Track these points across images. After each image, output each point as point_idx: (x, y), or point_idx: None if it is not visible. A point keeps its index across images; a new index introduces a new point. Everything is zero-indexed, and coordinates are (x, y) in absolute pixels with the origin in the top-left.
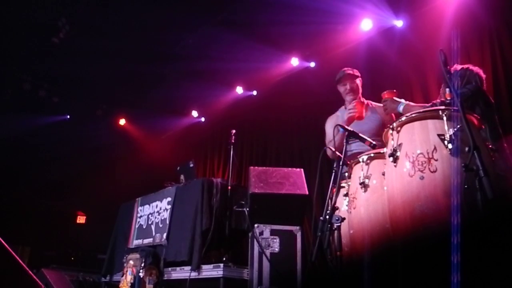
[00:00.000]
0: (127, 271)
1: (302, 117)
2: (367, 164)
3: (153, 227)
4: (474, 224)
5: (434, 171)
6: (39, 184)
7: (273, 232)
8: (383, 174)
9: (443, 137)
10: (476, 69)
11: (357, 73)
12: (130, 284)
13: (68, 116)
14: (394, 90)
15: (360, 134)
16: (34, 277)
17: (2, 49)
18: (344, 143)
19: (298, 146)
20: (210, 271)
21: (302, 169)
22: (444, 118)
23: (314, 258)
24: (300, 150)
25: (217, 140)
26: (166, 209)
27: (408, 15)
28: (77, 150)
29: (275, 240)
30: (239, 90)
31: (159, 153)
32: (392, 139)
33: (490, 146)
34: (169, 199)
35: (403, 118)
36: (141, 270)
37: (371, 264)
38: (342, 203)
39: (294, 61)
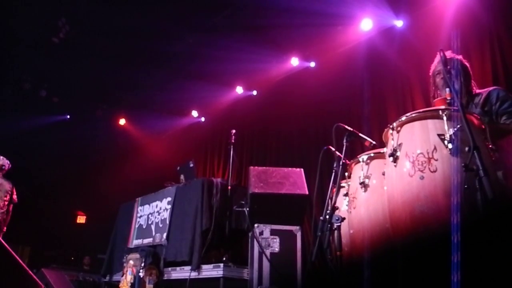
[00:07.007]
0: (127, 271)
1: (302, 117)
2: (367, 164)
3: (153, 227)
4: (474, 224)
5: (434, 171)
6: (39, 184)
7: (273, 232)
8: (383, 174)
9: (443, 137)
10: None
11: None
12: (130, 284)
13: (68, 116)
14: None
15: (360, 134)
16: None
17: (2, 49)
18: (344, 143)
19: (298, 146)
20: (210, 271)
21: (302, 169)
22: (444, 118)
23: (314, 258)
24: (300, 150)
25: (217, 140)
26: (166, 209)
27: (408, 15)
28: (77, 150)
29: (275, 240)
30: (239, 90)
31: (159, 153)
32: (392, 139)
33: (490, 146)
34: (169, 199)
35: (403, 118)
36: (141, 270)
37: (371, 264)
38: (342, 203)
39: (294, 61)
